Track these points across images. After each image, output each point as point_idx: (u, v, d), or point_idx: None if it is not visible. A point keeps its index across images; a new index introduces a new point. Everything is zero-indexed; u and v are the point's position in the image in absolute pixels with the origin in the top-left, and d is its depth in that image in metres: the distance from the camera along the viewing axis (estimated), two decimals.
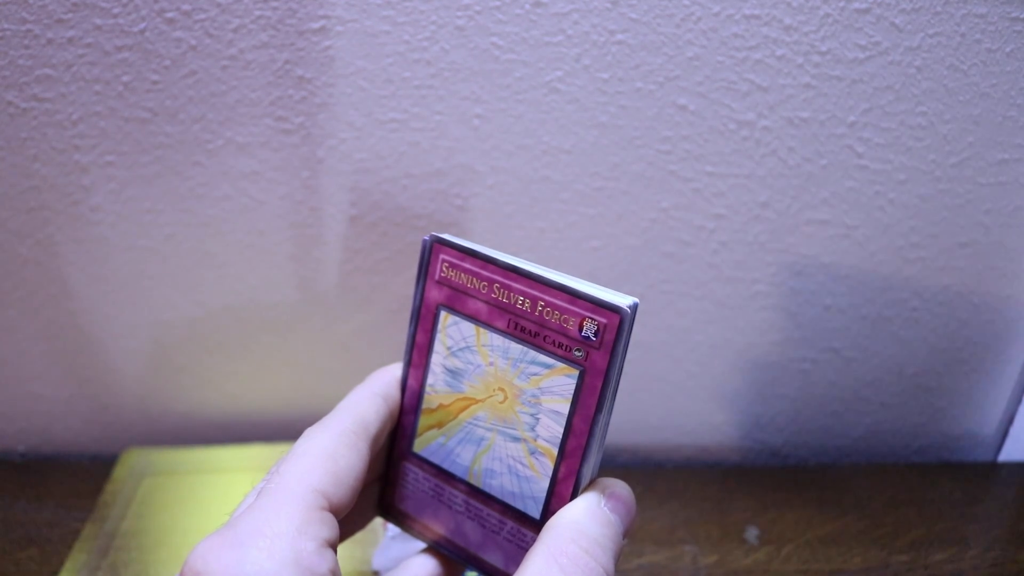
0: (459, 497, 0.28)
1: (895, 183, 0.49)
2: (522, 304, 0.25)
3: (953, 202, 0.49)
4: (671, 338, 0.54)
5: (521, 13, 0.43)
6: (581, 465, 0.25)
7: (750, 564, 0.48)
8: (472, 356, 0.27)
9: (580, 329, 0.24)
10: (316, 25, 0.43)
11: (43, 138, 0.45)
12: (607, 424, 0.25)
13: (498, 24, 0.43)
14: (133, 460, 0.52)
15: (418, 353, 0.28)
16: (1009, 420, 0.59)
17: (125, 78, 0.44)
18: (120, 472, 0.51)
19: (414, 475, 0.29)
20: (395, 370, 0.29)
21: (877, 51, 0.44)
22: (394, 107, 0.45)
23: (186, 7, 0.42)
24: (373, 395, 0.27)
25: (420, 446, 0.29)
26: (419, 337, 0.28)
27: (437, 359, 0.27)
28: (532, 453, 0.26)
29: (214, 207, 0.48)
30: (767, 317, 0.53)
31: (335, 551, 0.23)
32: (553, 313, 0.25)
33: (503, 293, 0.26)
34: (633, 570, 0.47)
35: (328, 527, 0.23)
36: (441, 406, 0.28)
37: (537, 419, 0.26)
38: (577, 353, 0.25)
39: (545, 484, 0.26)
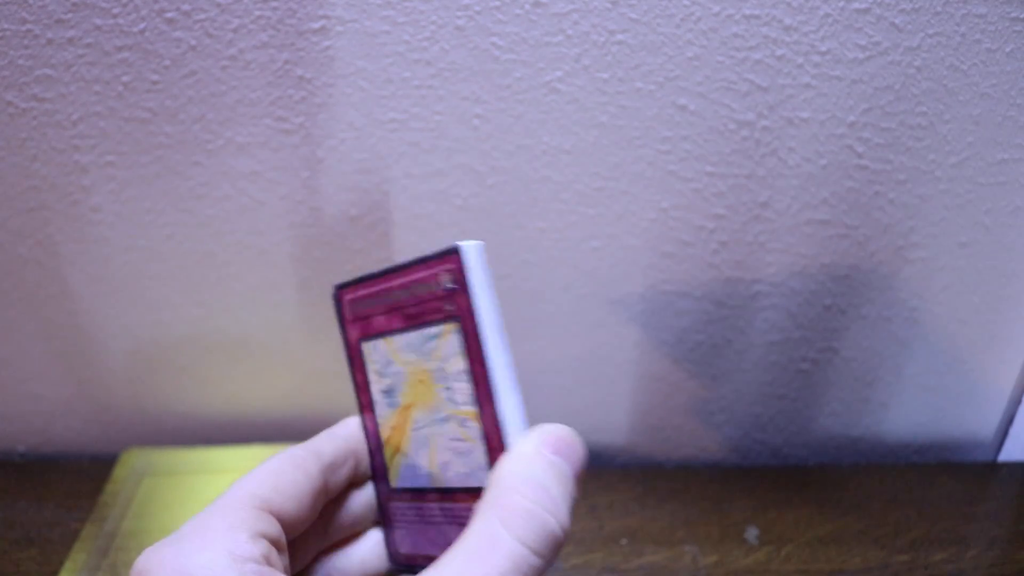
0: (435, 508, 0.28)
1: (895, 183, 0.49)
2: (402, 295, 0.28)
3: (953, 202, 0.49)
4: (671, 338, 0.54)
5: (521, 13, 0.43)
6: (496, 409, 0.25)
7: (750, 564, 0.48)
8: (393, 367, 0.28)
9: (441, 285, 0.26)
10: (316, 25, 0.43)
11: (43, 138, 0.45)
12: (507, 363, 0.25)
13: (498, 24, 0.43)
14: (133, 460, 0.52)
15: (363, 393, 0.30)
16: (1009, 420, 0.59)
17: (125, 78, 0.44)
18: (120, 472, 0.51)
19: (400, 511, 0.29)
20: (356, 418, 0.30)
21: (877, 51, 0.44)
22: (394, 107, 0.45)
23: (186, 7, 0.42)
24: (331, 434, 0.29)
25: (394, 478, 0.29)
26: (358, 378, 0.30)
27: (376, 389, 0.29)
28: (462, 424, 0.27)
29: (214, 207, 0.48)
30: (767, 317, 0.53)
31: (279, 547, 0.24)
32: (421, 287, 0.27)
33: (388, 296, 0.28)
34: (633, 570, 0.47)
35: (263, 522, 0.24)
36: (393, 429, 0.29)
37: (451, 388, 0.27)
38: (449, 308, 0.26)
39: (482, 447, 0.26)
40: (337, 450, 0.28)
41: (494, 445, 0.26)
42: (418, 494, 0.29)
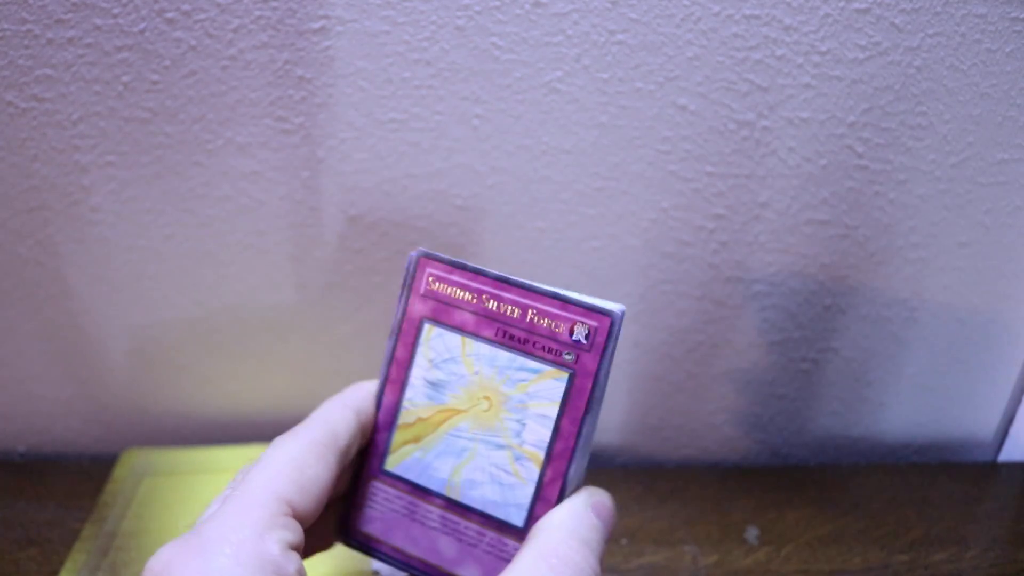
0: (434, 512, 0.28)
1: (895, 183, 0.49)
2: (511, 312, 0.26)
3: (953, 202, 0.49)
4: (671, 338, 0.54)
5: (521, 13, 0.43)
6: (568, 467, 0.26)
7: (750, 564, 0.48)
8: (456, 367, 0.27)
9: (571, 333, 0.25)
10: (316, 25, 0.43)
11: (43, 138, 0.45)
12: (594, 428, 0.26)
13: (498, 24, 0.43)
14: (133, 460, 0.52)
15: (397, 368, 0.28)
16: (1009, 420, 0.59)
17: (125, 78, 0.44)
18: (120, 472, 0.51)
19: (384, 494, 0.29)
20: (371, 386, 0.29)
21: (877, 51, 0.44)
22: (394, 107, 0.45)
23: (186, 7, 0.42)
24: (345, 407, 0.28)
25: (393, 463, 0.28)
26: (399, 352, 0.28)
27: (418, 372, 0.28)
28: (517, 459, 0.26)
29: (214, 207, 0.48)
30: (767, 317, 0.53)
31: (299, 554, 0.23)
32: (543, 319, 0.26)
33: (492, 303, 0.27)
34: (633, 570, 0.47)
35: (292, 532, 0.23)
36: (420, 420, 0.28)
37: (523, 424, 0.26)
38: (567, 357, 0.25)
39: (530, 490, 0.26)
40: (351, 432, 0.27)
41: (546, 496, 0.26)
42: (417, 490, 0.28)
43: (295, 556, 0.23)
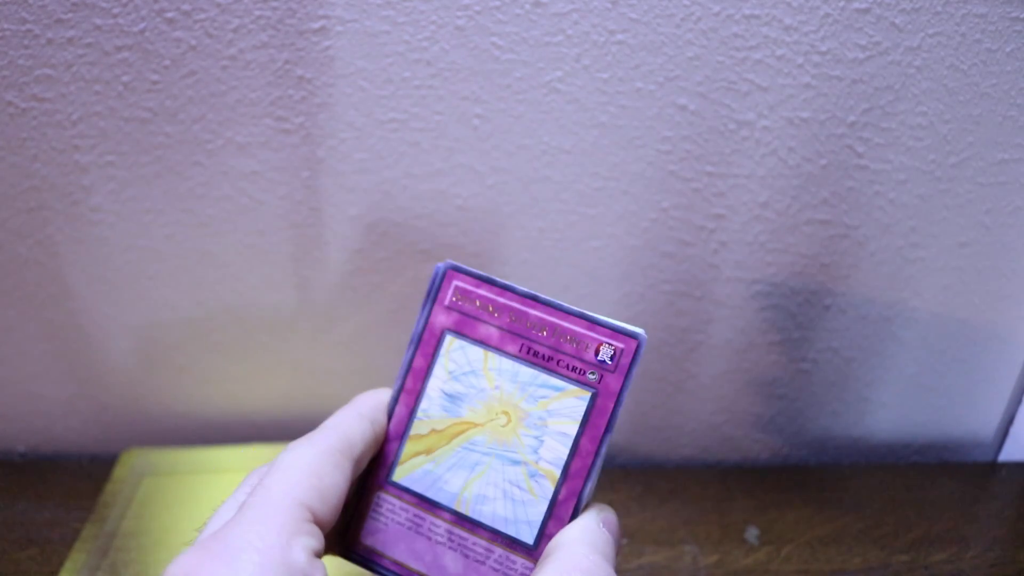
0: (441, 527, 0.27)
1: (895, 183, 0.49)
2: (538, 330, 0.27)
3: (953, 202, 0.49)
4: (671, 338, 0.54)
5: (521, 13, 0.43)
6: (584, 486, 0.26)
7: (750, 564, 0.48)
8: (477, 380, 0.27)
9: (597, 353, 0.26)
10: (316, 25, 0.43)
11: (43, 138, 0.45)
12: (609, 445, 0.26)
13: (498, 24, 0.43)
14: (133, 460, 0.52)
15: (413, 378, 0.28)
16: (1009, 420, 0.59)
17: (125, 78, 0.44)
18: (120, 472, 0.51)
19: (389, 505, 0.28)
20: (382, 395, 0.29)
21: (877, 51, 0.44)
22: (394, 107, 0.45)
23: (186, 7, 0.42)
24: (360, 416, 0.27)
25: (401, 474, 0.28)
26: (417, 362, 0.28)
27: (435, 384, 0.28)
28: (532, 476, 0.26)
29: (214, 207, 0.48)
30: (767, 317, 0.53)
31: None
32: (570, 338, 0.26)
33: (519, 319, 0.27)
34: (633, 570, 0.47)
35: (316, 539, 0.23)
36: (433, 431, 0.28)
37: (541, 441, 0.26)
38: (591, 376, 0.26)
39: (543, 507, 0.26)
40: (366, 441, 0.27)
41: (559, 515, 0.26)
42: (424, 503, 0.28)
43: (320, 564, 0.22)
